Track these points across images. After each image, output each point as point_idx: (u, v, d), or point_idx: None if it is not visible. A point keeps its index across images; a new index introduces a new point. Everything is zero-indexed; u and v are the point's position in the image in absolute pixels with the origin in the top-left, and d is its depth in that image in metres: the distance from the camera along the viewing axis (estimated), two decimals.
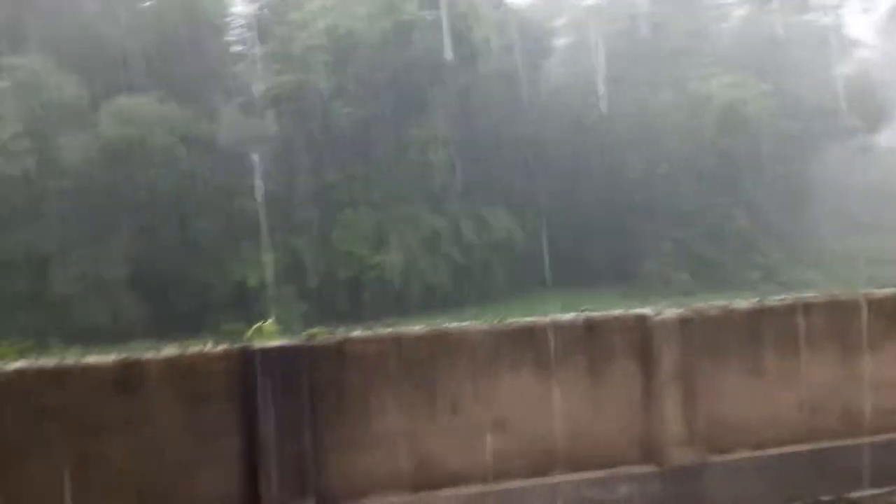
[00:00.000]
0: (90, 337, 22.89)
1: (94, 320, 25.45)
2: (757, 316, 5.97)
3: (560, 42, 44.19)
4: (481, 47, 33.01)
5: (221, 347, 5.00)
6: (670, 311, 5.81)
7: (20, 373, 4.63)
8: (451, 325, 5.61)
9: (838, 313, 6.08)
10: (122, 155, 25.87)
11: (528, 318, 5.75)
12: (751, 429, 5.88)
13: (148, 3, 30.81)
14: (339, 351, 5.20)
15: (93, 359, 4.86)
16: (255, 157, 35.24)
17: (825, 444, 5.98)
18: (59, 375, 4.72)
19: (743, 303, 6.07)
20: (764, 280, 34.91)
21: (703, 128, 36.72)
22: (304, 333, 5.30)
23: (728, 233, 38.10)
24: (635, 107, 38.30)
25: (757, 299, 6.07)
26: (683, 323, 5.72)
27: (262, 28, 34.70)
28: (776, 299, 6.07)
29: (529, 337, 5.62)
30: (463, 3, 32.63)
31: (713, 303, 6.10)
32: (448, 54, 31.92)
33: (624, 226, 38.99)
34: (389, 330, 5.42)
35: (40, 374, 4.65)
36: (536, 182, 40.24)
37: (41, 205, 25.86)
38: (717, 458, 5.81)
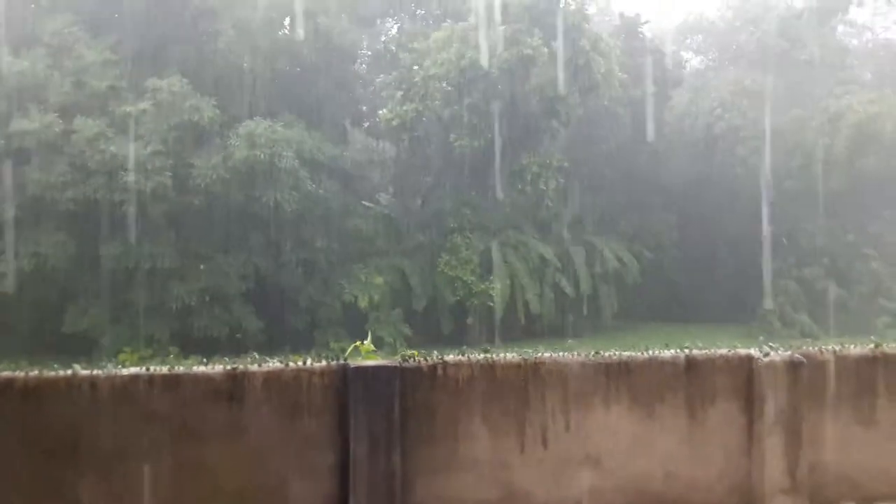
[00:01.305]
0: (207, 348, 24.02)
1: (212, 332, 26.71)
2: (872, 363, 5.67)
3: (689, 70, 43.49)
4: (602, 79, 32.80)
5: (320, 364, 5.20)
6: (778, 354, 5.59)
7: (133, 378, 4.97)
8: (545, 354, 5.60)
9: None
10: (249, 175, 27.09)
11: (626, 353, 5.67)
12: (858, 481, 5.57)
13: (282, 32, 32.28)
14: (432, 373, 5.29)
15: (201, 368, 5.15)
16: (373, 182, 36.37)
17: None
18: (168, 382, 5.03)
19: (857, 349, 5.78)
20: (893, 327, 32.73)
21: (833, 147, 34.86)
22: (399, 354, 5.43)
23: (857, 273, 36.02)
24: (764, 132, 37.02)
25: (872, 345, 5.76)
26: (791, 367, 5.49)
27: (388, 56, 35.92)
28: (893, 347, 5.75)
29: (626, 372, 5.54)
30: (585, 37, 32.58)
31: (825, 347, 5.83)
32: (561, 88, 31.93)
33: (745, 261, 37.55)
34: (483, 356, 5.47)
35: (151, 380, 4.97)
36: (654, 213, 39.49)
37: (171, 220, 27.43)
38: None
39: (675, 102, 39.85)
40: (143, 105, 26.38)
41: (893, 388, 5.65)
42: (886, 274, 35.80)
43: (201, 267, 27.11)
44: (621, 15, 39.98)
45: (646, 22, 38.76)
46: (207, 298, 26.86)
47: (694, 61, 44.24)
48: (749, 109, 37.00)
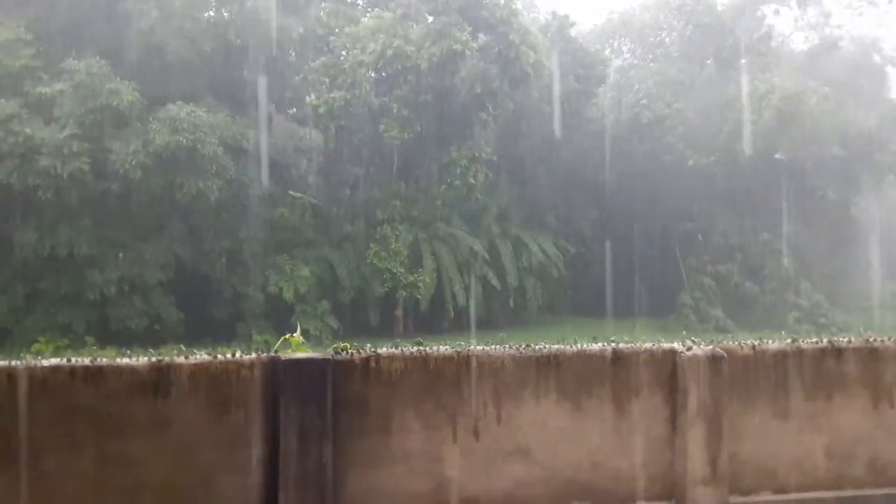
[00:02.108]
0: (125, 338, 23.31)
1: (130, 322, 25.94)
2: (787, 358, 5.91)
3: (614, 68, 44.39)
4: (530, 73, 33.16)
5: (250, 356, 5.11)
6: (700, 348, 5.77)
7: (54, 370, 4.78)
8: (478, 347, 5.64)
9: (871, 360, 5.99)
10: (171, 162, 26.36)
11: (555, 346, 5.75)
12: (775, 472, 5.81)
13: (208, 14, 31.41)
14: (364, 366, 5.27)
15: (125, 360, 4.99)
16: (301, 170, 35.81)
17: (850, 493, 5.88)
18: (91, 375, 4.86)
19: (774, 343, 6.01)
20: (801, 321, 34.27)
21: (757, 127, 36.07)
22: (331, 347, 5.38)
23: (769, 270, 37.55)
24: (683, 134, 38.19)
25: (788, 340, 6.01)
26: (713, 360, 5.68)
27: (317, 41, 35.29)
28: (808, 342, 6.00)
29: (555, 365, 5.63)
30: (515, 32, 32.84)
31: (744, 341, 6.05)
32: (491, 81, 32.18)
33: (665, 256, 38.73)
34: (416, 349, 5.47)
35: (73, 372, 4.79)
36: (578, 208, 40.25)
37: (89, 206, 26.47)
38: (738, 500, 5.74)
39: (601, 98, 40.71)
40: (60, 86, 25.40)
41: (808, 382, 5.91)
42: (797, 271, 37.43)
43: (120, 255, 26.28)
44: (553, 13, 40.50)
45: (573, 24, 39.34)
46: (126, 288, 26.06)
47: (619, 59, 45.18)
48: (673, 100, 38.09)
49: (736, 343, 6.03)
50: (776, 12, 42.08)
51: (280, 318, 28.64)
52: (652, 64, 42.04)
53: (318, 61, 33.84)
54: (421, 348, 5.53)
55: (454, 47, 31.04)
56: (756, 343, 6.00)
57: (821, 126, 35.00)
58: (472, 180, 32.60)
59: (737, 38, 39.57)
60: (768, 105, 35.53)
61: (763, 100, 35.93)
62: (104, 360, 5.03)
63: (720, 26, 40.09)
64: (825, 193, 37.44)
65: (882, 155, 37.70)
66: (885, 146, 37.51)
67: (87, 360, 4.94)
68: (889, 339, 6.14)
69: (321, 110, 31.50)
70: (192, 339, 26.14)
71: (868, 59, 43.23)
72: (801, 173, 36.71)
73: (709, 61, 40.71)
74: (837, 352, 5.99)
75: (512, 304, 34.59)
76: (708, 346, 5.87)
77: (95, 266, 25.84)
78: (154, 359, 5.03)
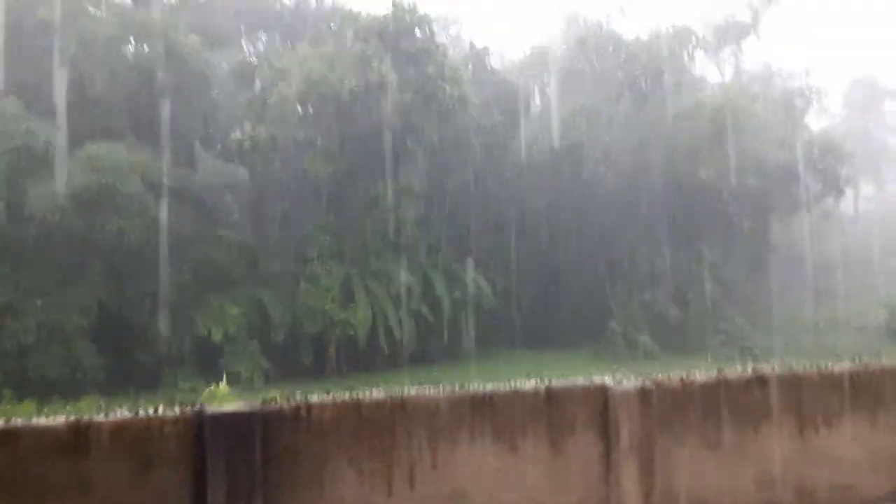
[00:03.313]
0: (45, 389, 22.30)
1: (51, 372, 24.77)
2: (715, 389, 6.02)
3: (535, 100, 45.34)
4: (455, 106, 33.53)
5: (173, 412, 4.91)
6: (630, 382, 5.84)
7: None
8: (411, 391, 5.58)
9: (795, 388, 6.16)
10: (90, 202, 25.53)
11: (489, 387, 5.74)
12: (707, 502, 5.89)
13: (130, 49, 30.83)
14: (294, 417, 5.13)
15: (42, 420, 4.74)
16: (226, 208, 35.19)
17: None
18: (4, 437, 4.60)
19: (701, 375, 6.13)
20: (726, 345, 35.27)
21: (679, 147, 37.13)
22: (260, 398, 5.23)
23: (692, 296, 38.55)
24: (605, 156, 39.18)
25: (715, 371, 6.13)
26: (643, 394, 5.75)
27: (244, 76, 35.05)
28: (734, 373, 6.14)
29: (490, 406, 5.60)
30: (436, 62, 33.22)
31: (672, 374, 6.15)
32: (416, 114, 32.42)
33: (594, 286, 39.41)
34: (347, 395, 5.36)
35: None
36: (507, 240, 40.65)
37: (5, 252, 25.37)
38: None
39: (523, 130, 41.50)
40: None
41: (735, 412, 6.03)
42: (719, 296, 38.56)
43: (38, 302, 25.17)
44: (471, 45, 41.22)
45: (489, 55, 40.13)
46: (45, 335, 24.95)
47: (539, 92, 46.15)
48: (589, 129, 39.06)
49: (665, 376, 6.12)
50: (694, 46, 43.69)
51: (209, 361, 27.88)
52: (569, 96, 43.14)
53: (243, 96, 33.54)
54: (353, 394, 5.43)
55: (372, 78, 31.19)
56: (684, 375, 6.10)
57: (739, 155, 36.36)
58: (402, 214, 32.63)
59: (651, 70, 40.93)
60: (702, 117, 36.76)
61: (690, 117, 37.18)
62: (19, 420, 4.78)
63: (634, 59, 41.44)
64: (743, 221, 38.79)
65: (796, 187, 39.39)
66: (797, 180, 39.21)
67: (0, 422, 4.68)
68: (811, 365, 6.33)
69: (246, 145, 31.11)
70: (116, 387, 25.26)
71: (786, 97, 45.24)
72: (719, 201, 37.99)
73: (626, 92, 41.95)
74: (762, 381, 6.14)
75: (446, 338, 34.55)
76: (637, 380, 5.94)
77: (12, 314, 24.71)
78: (73, 418, 4.79)
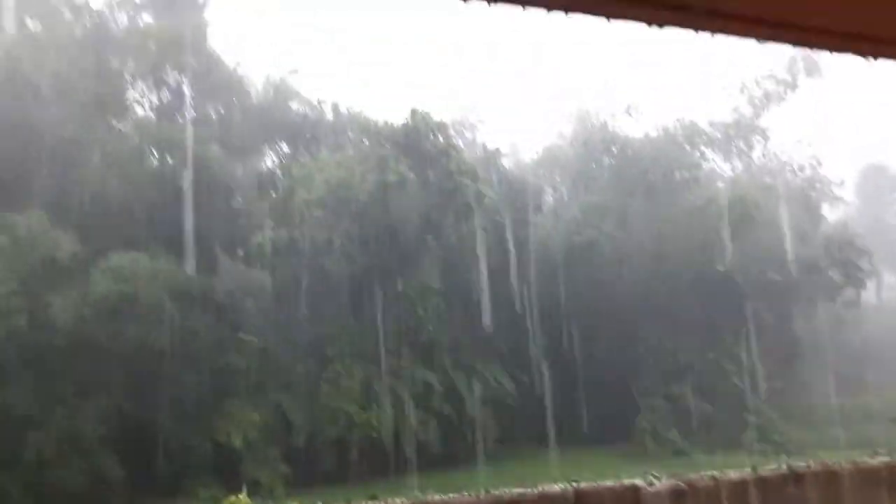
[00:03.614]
0: (65, 501, 22.00)
1: (71, 483, 24.43)
2: (748, 486, 5.87)
3: (548, 197, 46.06)
4: (473, 206, 34.19)
5: None
6: (662, 483, 5.71)
7: None
8: (435, 496, 5.47)
9: (832, 483, 5.99)
10: (112, 311, 25.83)
11: (516, 490, 5.62)
12: None
13: (152, 161, 31.85)
14: None
15: None
16: (247, 313, 35.42)
17: None
18: None
19: (735, 473, 5.99)
20: (758, 440, 34.30)
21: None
22: None
23: (720, 389, 37.82)
24: (620, 252, 39.38)
25: (749, 469, 6.00)
26: (675, 496, 5.61)
27: (265, 184, 36.09)
28: (767, 469, 6.00)
29: None
30: (453, 163, 34.07)
31: (704, 473, 6.01)
32: (435, 213, 33.05)
33: (618, 382, 38.78)
34: (370, 503, 5.28)
35: None
36: (527, 337, 40.36)
37: (27, 363, 25.50)
38: None
39: (538, 227, 41.98)
40: None
41: None
42: (747, 389, 37.79)
43: (59, 412, 25.09)
44: (483, 147, 42.30)
45: (504, 156, 41.20)
46: (65, 447, 24.74)
47: (551, 189, 46.95)
48: (604, 225, 39.40)
49: (697, 475, 5.98)
50: (702, 142, 44.54)
51: (229, 468, 27.45)
52: (581, 194, 43.84)
53: (264, 202, 34.36)
54: (375, 502, 5.34)
55: (390, 178, 31.94)
56: (717, 474, 5.96)
57: (757, 246, 36.50)
58: (420, 312, 32.67)
59: (660, 167, 41.62)
60: (712, 214, 37.07)
61: (703, 212, 37.50)
62: None
63: (643, 156, 42.25)
64: (765, 313, 38.49)
65: (817, 279, 39.28)
66: (818, 271, 39.15)
67: None
68: (846, 461, 6.17)
69: (267, 249, 31.65)
70: (135, 497, 24.88)
71: (799, 189, 45.66)
72: (740, 294, 37.81)
73: (637, 189, 42.53)
74: (798, 478, 5.98)
75: (469, 439, 33.91)
76: (669, 480, 5.80)
77: (33, 425, 24.62)
78: None
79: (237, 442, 27.92)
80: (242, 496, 5.41)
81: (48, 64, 28.36)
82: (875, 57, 2.20)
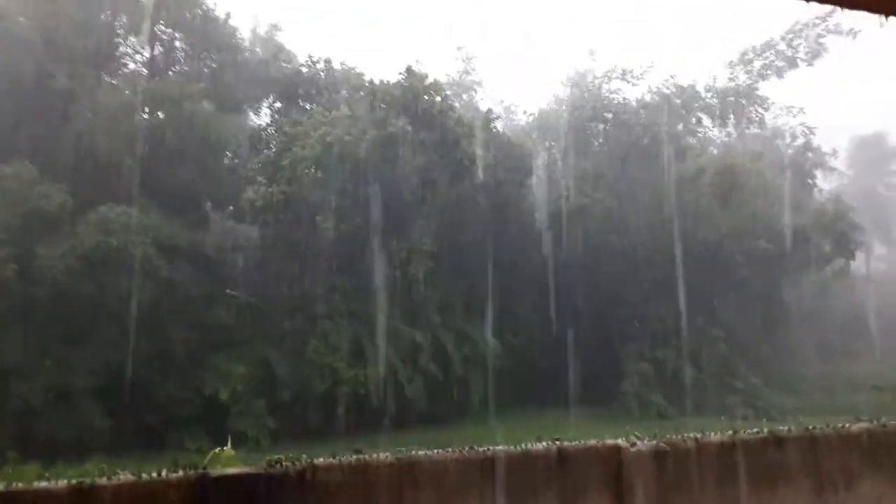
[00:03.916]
0: (52, 451, 22.04)
1: (57, 433, 24.53)
2: (731, 450, 5.89)
3: (540, 161, 45.86)
4: (468, 164, 34.00)
5: (177, 475, 4.81)
6: (644, 444, 5.71)
7: None
8: (419, 453, 5.45)
9: (812, 448, 6.01)
10: (100, 264, 25.71)
11: (500, 447, 5.61)
12: None
13: (143, 116, 31.45)
14: (299, 479, 5.02)
15: (43, 484, 4.65)
16: (237, 269, 35.38)
17: None
18: (7, 501, 4.51)
19: (716, 436, 6.00)
20: (741, 405, 34.71)
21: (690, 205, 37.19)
22: (265, 460, 5.13)
23: (706, 355, 38.16)
24: (611, 218, 39.36)
25: (730, 432, 6.01)
26: (658, 456, 5.62)
27: (258, 141, 35.74)
28: (750, 433, 6.01)
29: (501, 467, 5.47)
30: (449, 124, 33.79)
31: (687, 435, 6.02)
32: (432, 172, 32.81)
33: (605, 346, 39.06)
34: (354, 457, 5.26)
35: None
36: (516, 298, 40.51)
37: (15, 314, 25.42)
38: None
39: (529, 190, 41.86)
40: None
41: (753, 473, 5.88)
42: (733, 355, 38.14)
43: (46, 363, 25.10)
44: (477, 109, 41.92)
45: (497, 118, 40.79)
46: (52, 397, 24.81)
47: (545, 153, 46.70)
48: (596, 192, 39.34)
49: (679, 437, 5.99)
50: (698, 107, 44.28)
51: (215, 420, 27.58)
52: (575, 158, 43.65)
53: (257, 159, 34.05)
54: (359, 457, 5.32)
55: (391, 131, 31.70)
56: (698, 436, 5.98)
57: (748, 214, 36.50)
58: (413, 271, 32.62)
59: (655, 133, 41.45)
60: (704, 181, 37.02)
61: (695, 179, 37.44)
62: (20, 485, 4.69)
63: (638, 122, 42.03)
64: (754, 281, 38.66)
65: (807, 248, 39.34)
66: (808, 241, 39.18)
67: (1, 486, 4.59)
68: (828, 426, 6.19)
69: (258, 204, 31.45)
70: (122, 448, 24.93)
71: (793, 157, 45.55)
72: (731, 262, 37.93)
73: (630, 154, 42.39)
74: (779, 441, 6.00)
75: (455, 398, 34.17)
76: (652, 440, 5.81)
77: (20, 375, 24.64)
78: (75, 481, 4.71)
79: (224, 395, 28.04)
80: (227, 448, 5.37)
81: (38, 17, 27.81)
82: (887, 15, 2.12)
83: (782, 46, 42.96)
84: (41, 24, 27.83)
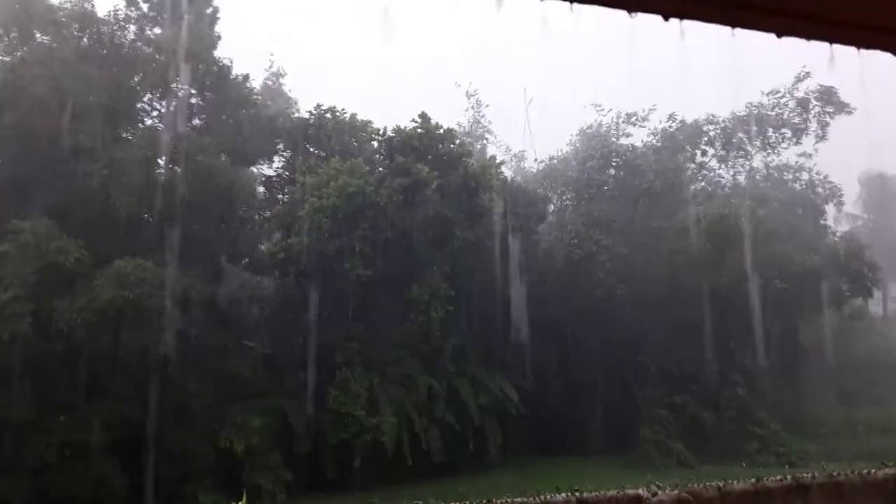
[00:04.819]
0: None
1: (73, 489, 24.45)
2: (754, 498, 5.81)
3: (552, 207, 46.16)
4: (487, 208, 34.28)
5: None
6: (666, 493, 5.65)
7: None
8: None
9: (838, 495, 5.92)
10: (116, 317, 25.85)
11: (518, 499, 5.58)
12: None
13: (159, 171, 31.94)
14: None
15: None
16: (252, 320, 35.49)
17: None
18: None
19: (739, 484, 5.93)
20: (762, 451, 34.16)
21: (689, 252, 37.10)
22: None
23: (724, 400, 37.69)
24: (623, 263, 39.34)
25: (753, 480, 5.94)
26: None
27: (275, 191, 36.24)
28: (773, 480, 5.94)
29: None
30: (465, 171, 34.16)
31: (709, 484, 5.95)
32: (451, 216, 33.06)
33: (622, 392, 38.73)
34: None
35: None
36: (530, 345, 40.31)
37: (31, 368, 25.52)
38: None
39: (542, 237, 42.03)
40: (4, 247, 25.09)
41: None
42: (751, 400, 37.65)
43: (61, 418, 25.11)
44: (487, 156, 42.42)
45: (501, 163, 41.21)
46: (67, 453, 24.76)
47: (556, 199, 47.05)
48: (602, 237, 39.45)
49: (701, 486, 5.93)
50: (703, 153, 44.57)
51: (231, 473, 27.48)
52: (585, 203, 43.94)
53: (271, 210, 34.43)
54: None
55: (411, 178, 32.00)
56: (721, 485, 5.91)
57: (760, 256, 36.34)
58: (434, 314, 32.48)
59: (664, 177, 41.67)
60: (700, 230, 37.07)
61: (692, 229, 37.51)
62: None
63: (647, 167, 42.30)
64: (771, 324, 38.33)
65: (823, 289, 39.11)
66: (825, 279, 38.97)
67: None
68: (852, 472, 6.11)
69: (280, 256, 31.74)
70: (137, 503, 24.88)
71: (807, 197, 45.56)
72: (746, 303, 37.66)
73: (640, 200, 42.58)
74: (804, 489, 5.92)
75: (472, 447, 33.85)
76: (673, 490, 5.76)
77: (36, 431, 24.63)
78: None
79: (239, 448, 27.89)
80: (242, 503, 5.35)
81: (55, 77, 28.50)
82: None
83: (789, 102, 43.45)
84: (58, 84, 28.46)
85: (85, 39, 31.00)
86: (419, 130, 34.50)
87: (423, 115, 34.86)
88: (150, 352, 26.17)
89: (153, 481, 26.92)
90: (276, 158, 39.15)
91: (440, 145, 34.61)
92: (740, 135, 44.20)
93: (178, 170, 31.61)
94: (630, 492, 5.78)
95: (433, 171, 33.01)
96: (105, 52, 30.92)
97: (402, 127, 35.14)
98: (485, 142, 50.49)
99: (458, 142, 35.69)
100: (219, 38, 34.33)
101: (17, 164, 27.91)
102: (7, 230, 25.63)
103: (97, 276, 26.07)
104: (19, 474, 24.12)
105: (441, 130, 34.94)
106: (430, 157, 34.14)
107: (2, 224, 25.95)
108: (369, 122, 39.04)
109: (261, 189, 37.31)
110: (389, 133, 35.47)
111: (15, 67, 29.12)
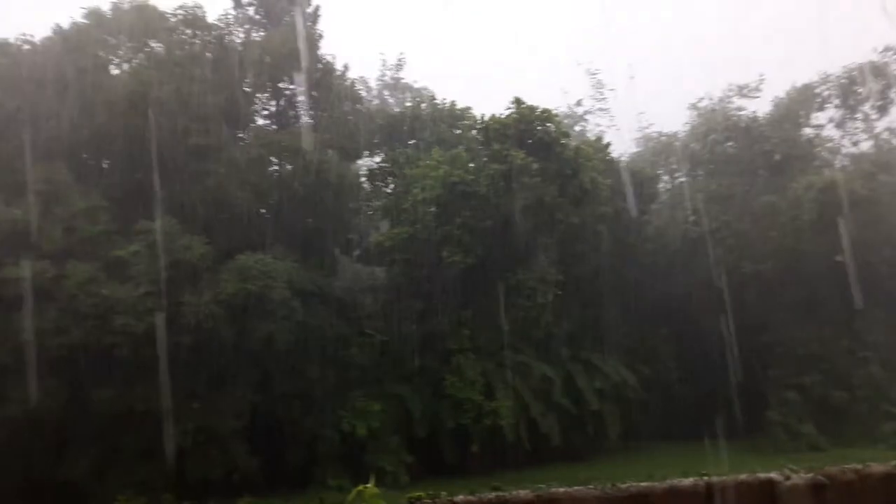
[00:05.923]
0: (202, 491, 23.17)
1: (207, 474, 25.79)
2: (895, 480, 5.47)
3: (664, 185, 44.90)
4: (590, 189, 33.70)
5: None
6: (800, 477, 5.40)
7: None
8: (560, 489, 5.37)
9: None
10: (241, 309, 26.97)
11: (644, 483, 5.44)
12: None
13: (272, 168, 33.10)
14: None
15: None
16: (366, 309, 36.32)
17: None
18: None
19: (879, 466, 5.59)
20: None
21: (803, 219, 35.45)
22: (406, 497, 5.20)
23: (856, 379, 35.62)
24: (742, 240, 37.82)
25: (893, 463, 5.58)
26: (815, 489, 5.29)
27: (379, 183, 37.02)
28: None
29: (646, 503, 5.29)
30: (567, 151, 33.66)
31: (847, 466, 5.64)
32: (552, 200, 32.67)
33: (745, 372, 37.22)
34: (494, 494, 5.24)
35: None
36: (646, 328, 39.44)
37: (163, 360, 26.94)
38: None
39: (653, 216, 40.89)
40: (134, 247, 26.56)
41: None
42: (886, 378, 35.43)
43: (195, 406, 26.49)
44: (597, 138, 41.65)
45: (609, 145, 40.24)
46: (202, 439, 26.11)
47: (667, 177, 45.73)
48: (721, 213, 37.94)
49: (838, 468, 5.63)
50: (820, 104, 42.16)
51: (354, 457, 28.39)
52: (699, 178, 42.40)
53: (379, 202, 35.05)
54: (499, 493, 5.30)
55: (510, 163, 31.86)
56: (860, 467, 5.59)
57: (886, 225, 34.17)
58: (541, 300, 32.24)
59: (784, 146, 39.70)
60: (809, 199, 35.12)
61: (802, 198, 35.57)
62: None
63: (765, 137, 40.38)
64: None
65: None
66: None
67: None
68: None
69: (386, 245, 32.36)
70: (268, 487, 26.01)
71: None
72: (875, 276, 35.41)
73: (760, 171, 40.72)
74: None
75: (591, 432, 33.49)
76: (808, 473, 5.49)
77: (171, 419, 26.06)
78: None
79: (361, 432, 28.75)
80: (370, 486, 5.46)
81: (173, 80, 29.86)
82: None
83: None
84: (177, 87, 29.80)
85: (197, 43, 32.24)
86: (514, 116, 34.15)
87: (518, 100, 34.46)
88: (273, 341, 27.17)
89: (282, 465, 28.11)
90: (378, 151, 39.83)
91: (538, 128, 34.13)
92: (858, 90, 41.24)
93: (290, 167, 32.62)
94: (761, 475, 5.55)
95: (529, 157, 32.64)
96: (216, 55, 32.10)
97: (498, 115, 34.90)
98: (585, 122, 49.68)
99: (555, 123, 34.93)
100: (321, 36, 35.07)
101: (141, 166, 29.43)
102: (136, 230, 27.07)
103: (221, 270, 27.25)
104: (159, 460, 25.59)
105: (537, 113, 34.38)
106: (529, 141, 33.74)
107: (131, 224, 27.43)
108: (468, 108, 39.12)
109: (365, 181, 38.05)
110: (486, 120, 35.33)
111: (134, 74, 30.65)
